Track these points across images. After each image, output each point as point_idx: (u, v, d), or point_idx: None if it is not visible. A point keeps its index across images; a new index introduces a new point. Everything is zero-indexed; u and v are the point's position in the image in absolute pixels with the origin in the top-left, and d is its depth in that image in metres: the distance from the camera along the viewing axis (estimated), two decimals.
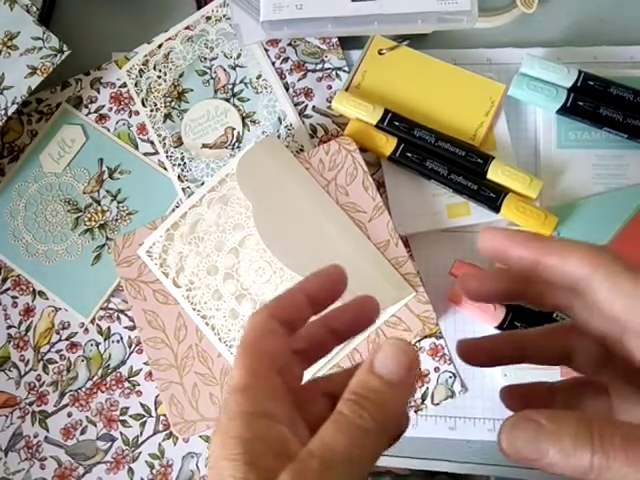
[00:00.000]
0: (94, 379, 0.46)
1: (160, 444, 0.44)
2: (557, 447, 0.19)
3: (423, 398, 0.42)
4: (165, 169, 0.48)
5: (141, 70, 0.49)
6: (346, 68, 0.48)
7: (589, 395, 0.26)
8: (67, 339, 0.46)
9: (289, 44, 0.49)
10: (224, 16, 0.49)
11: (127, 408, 0.45)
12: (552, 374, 0.41)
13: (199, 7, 0.50)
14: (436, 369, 0.43)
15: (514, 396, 0.27)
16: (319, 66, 0.48)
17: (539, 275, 0.22)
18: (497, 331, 0.41)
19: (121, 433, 0.45)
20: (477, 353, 0.26)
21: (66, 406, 0.45)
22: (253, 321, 0.22)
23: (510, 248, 0.23)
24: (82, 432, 0.45)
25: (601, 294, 0.21)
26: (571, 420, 0.19)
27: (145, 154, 0.48)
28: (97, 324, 0.46)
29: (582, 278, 0.21)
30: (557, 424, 0.19)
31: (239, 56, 0.49)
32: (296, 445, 0.19)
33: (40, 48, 0.47)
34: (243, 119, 0.48)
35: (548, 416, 0.20)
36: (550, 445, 0.19)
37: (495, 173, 0.42)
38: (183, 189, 0.47)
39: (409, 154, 0.43)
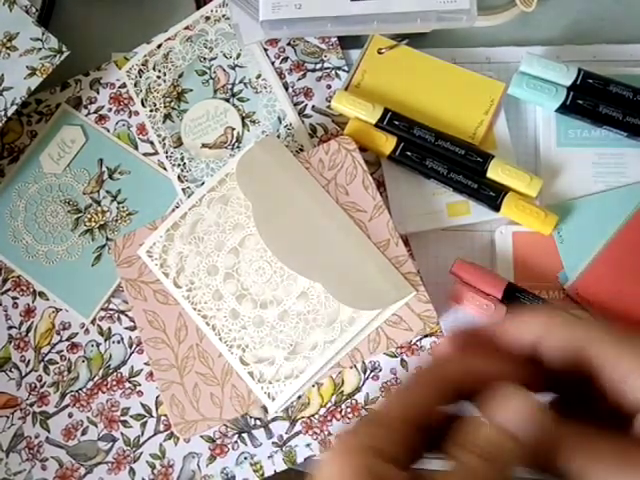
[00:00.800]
0: (95, 380, 0.46)
1: (161, 444, 0.44)
2: None
3: None
4: (165, 169, 0.48)
5: (140, 70, 0.49)
6: (345, 67, 0.48)
7: None
8: (68, 340, 0.46)
9: (288, 44, 0.49)
10: (223, 16, 0.49)
11: (128, 408, 0.45)
12: None
13: (198, 7, 0.50)
14: None
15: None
16: (318, 65, 0.48)
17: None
18: None
19: (122, 433, 0.45)
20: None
21: (67, 407, 0.45)
22: (339, 456, 0.19)
23: (508, 334, 0.22)
24: (83, 433, 0.45)
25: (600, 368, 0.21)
26: None
27: (145, 154, 0.48)
28: (98, 325, 0.46)
29: (576, 354, 0.21)
30: None
31: (238, 56, 0.49)
32: None
33: (39, 49, 0.47)
34: (243, 119, 0.48)
35: None
36: None
37: (495, 172, 0.42)
38: (183, 189, 0.47)
39: (409, 153, 0.43)
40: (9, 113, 0.46)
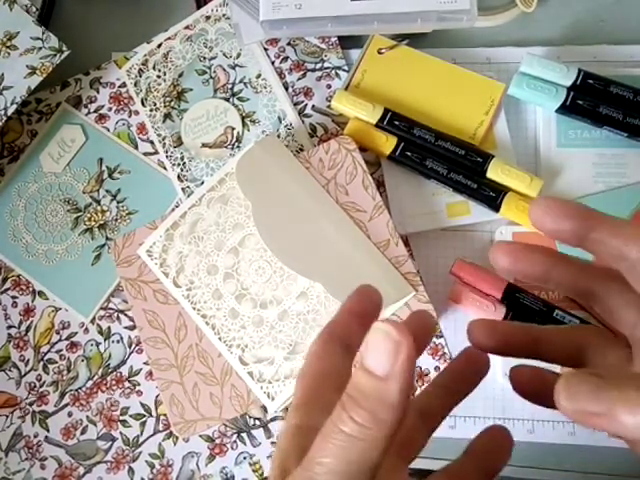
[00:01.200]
0: (94, 379, 0.46)
1: (160, 444, 0.44)
2: (623, 396, 0.17)
3: None
4: (165, 169, 0.48)
5: (140, 70, 0.49)
6: (345, 67, 0.48)
7: None
8: (67, 339, 0.46)
9: (288, 43, 0.49)
10: (223, 15, 0.49)
11: (127, 408, 0.45)
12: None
13: (198, 7, 0.50)
14: (436, 368, 0.43)
15: (523, 379, 0.26)
16: (318, 65, 0.48)
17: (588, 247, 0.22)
18: None
19: (121, 433, 0.45)
20: (491, 336, 0.24)
21: (66, 406, 0.45)
22: (309, 349, 0.22)
23: (561, 220, 0.21)
24: (82, 432, 0.45)
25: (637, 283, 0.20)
26: (629, 374, 0.19)
27: (145, 154, 0.48)
28: (97, 324, 0.46)
29: (622, 263, 0.20)
30: (617, 377, 0.18)
31: (239, 55, 0.49)
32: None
33: (39, 48, 0.47)
34: (243, 119, 0.48)
35: (606, 371, 0.19)
36: (615, 392, 0.17)
37: (495, 172, 0.42)
38: (183, 189, 0.47)
39: (409, 153, 0.43)
40: (9, 112, 0.46)
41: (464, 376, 0.25)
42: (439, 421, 0.24)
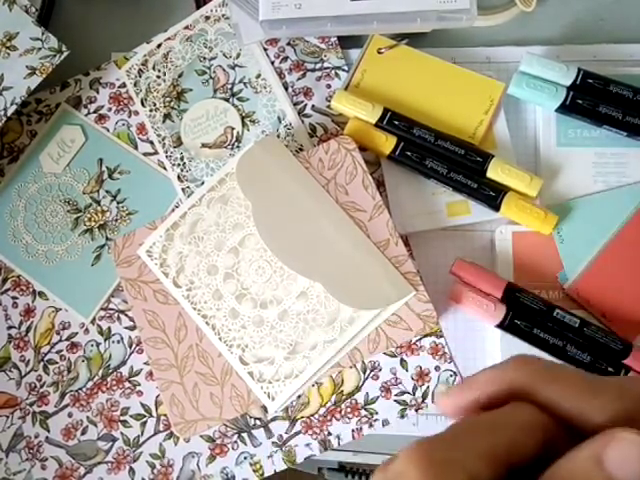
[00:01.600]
0: (94, 379, 0.46)
1: (161, 444, 0.44)
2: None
3: (424, 397, 0.42)
4: (165, 169, 0.48)
5: (140, 70, 0.49)
6: (345, 67, 0.48)
7: None
8: (67, 339, 0.46)
9: (288, 43, 0.49)
10: (223, 16, 0.49)
11: (128, 408, 0.45)
12: None
13: (198, 7, 0.50)
14: (436, 368, 0.43)
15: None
16: (318, 65, 0.48)
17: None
18: (497, 330, 0.41)
19: (122, 433, 0.45)
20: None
21: (67, 406, 0.45)
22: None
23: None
24: (83, 432, 0.45)
25: None
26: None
27: (145, 154, 0.48)
28: (97, 324, 0.46)
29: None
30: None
31: (238, 56, 0.49)
32: None
33: (39, 49, 0.47)
34: (242, 119, 0.48)
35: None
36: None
37: (495, 171, 0.42)
38: (183, 189, 0.47)
39: (409, 153, 0.43)
40: (9, 113, 0.46)
41: None
42: None
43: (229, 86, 0.48)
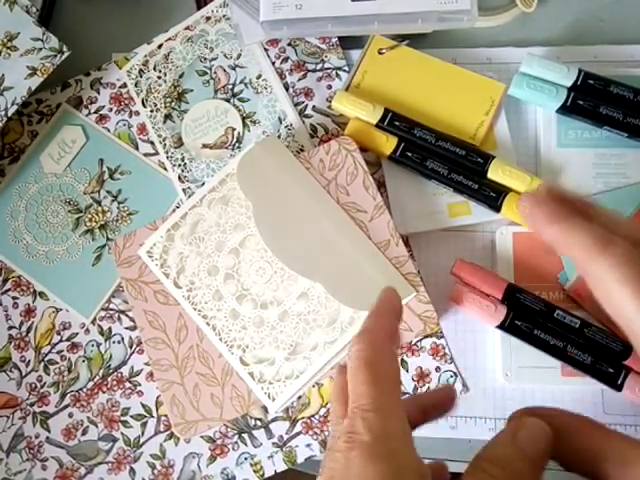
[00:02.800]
0: (95, 380, 0.46)
1: (161, 444, 0.44)
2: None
3: None
4: (165, 169, 0.48)
5: (141, 70, 0.49)
6: (346, 68, 0.48)
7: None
8: (68, 340, 0.46)
9: (289, 44, 0.49)
10: (224, 16, 0.49)
11: (128, 408, 0.45)
12: (553, 373, 0.41)
13: (199, 7, 0.50)
14: (437, 369, 0.43)
15: None
16: (319, 66, 0.48)
17: None
18: (498, 331, 0.41)
19: (122, 433, 0.45)
20: None
21: (67, 407, 0.45)
22: (369, 339, 0.22)
23: (536, 221, 0.24)
24: (83, 433, 0.45)
25: (596, 295, 0.22)
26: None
27: (145, 154, 0.48)
28: (98, 325, 0.46)
29: (583, 274, 0.22)
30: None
31: (239, 56, 0.49)
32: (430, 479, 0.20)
33: (40, 49, 0.47)
34: (243, 119, 0.48)
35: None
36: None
37: (495, 172, 0.42)
38: (183, 189, 0.47)
39: (409, 153, 0.43)
40: (10, 113, 0.46)
41: (437, 405, 0.28)
42: None
43: (230, 87, 0.48)
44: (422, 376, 0.43)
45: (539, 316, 0.40)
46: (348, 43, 0.48)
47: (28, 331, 0.47)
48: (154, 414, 0.45)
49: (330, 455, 0.20)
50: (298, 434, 0.43)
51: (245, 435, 0.43)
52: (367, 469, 0.19)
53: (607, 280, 0.21)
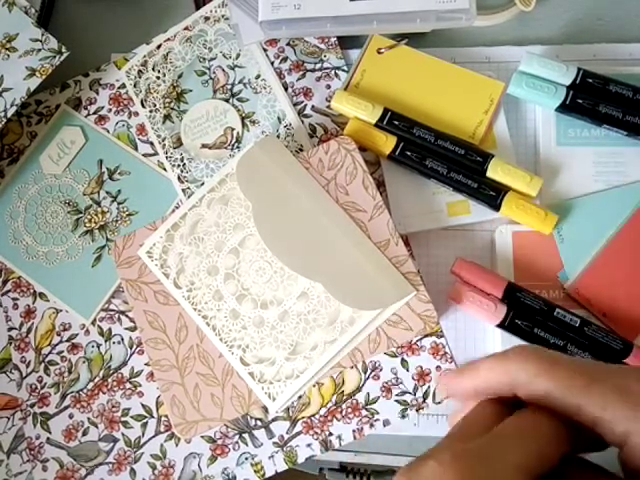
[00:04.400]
0: (95, 380, 0.46)
1: (162, 445, 0.44)
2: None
3: (425, 397, 0.42)
4: (165, 170, 0.48)
5: (140, 71, 0.49)
6: (345, 67, 0.48)
7: None
8: (68, 340, 0.46)
9: (288, 44, 0.49)
10: (223, 16, 0.49)
11: (128, 409, 0.45)
12: None
13: (198, 7, 0.50)
14: (437, 368, 0.43)
15: None
16: (318, 65, 0.48)
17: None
18: (498, 330, 0.41)
19: (123, 434, 0.45)
20: None
21: (67, 407, 0.45)
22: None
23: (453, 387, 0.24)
24: (84, 433, 0.45)
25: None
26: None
27: (145, 155, 0.48)
28: (98, 325, 0.46)
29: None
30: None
31: (238, 56, 0.49)
32: None
33: (39, 50, 0.47)
34: (242, 119, 0.48)
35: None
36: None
37: (495, 171, 0.42)
38: (183, 190, 0.47)
39: (409, 153, 0.43)
40: (9, 114, 0.46)
41: None
42: None
43: (229, 87, 0.48)
44: (422, 375, 0.43)
45: (539, 315, 0.40)
46: (347, 43, 0.48)
47: (28, 332, 0.47)
48: (154, 414, 0.45)
49: None
50: (299, 434, 0.43)
51: (246, 435, 0.43)
52: None
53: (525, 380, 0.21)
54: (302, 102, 0.48)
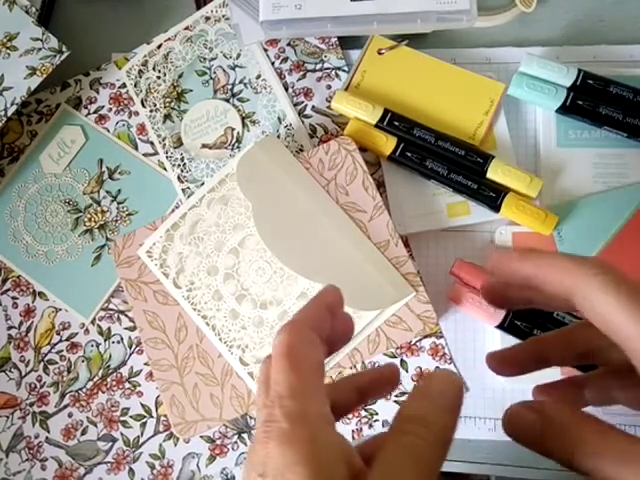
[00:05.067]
0: (94, 380, 0.46)
1: (161, 444, 0.44)
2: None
3: None
4: (165, 169, 0.48)
5: (140, 71, 0.49)
6: (345, 68, 0.48)
7: (617, 386, 0.27)
8: (67, 340, 0.46)
9: (288, 44, 0.49)
10: (223, 16, 0.49)
11: (128, 409, 0.45)
12: (553, 375, 0.41)
13: (198, 7, 0.50)
14: (437, 368, 0.43)
15: (545, 395, 0.28)
16: (318, 66, 0.48)
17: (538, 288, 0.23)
18: (497, 331, 0.41)
19: (122, 434, 0.45)
20: (504, 364, 0.28)
21: (67, 407, 0.45)
22: (290, 328, 0.22)
23: (508, 265, 0.23)
24: (83, 433, 0.45)
25: (585, 313, 0.21)
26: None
27: (145, 155, 0.48)
28: (97, 325, 0.46)
29: (566, 295, 0.22)
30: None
31: (238, 56, 0.49)
32: (357, 458, 0.20)
33: (39, 49, 0.47)
34: (243, 119, 0.48)
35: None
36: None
37: (495, 172, 0.42)
38: (183, 189, 0.47)
39: (409, 153, 0.43)
40: (9, 113, 0.46)
41: (376, 385, 0.27)
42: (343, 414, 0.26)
43: (229, 87, 0.48)
44: (422, 376, 0.43)
45: (538, 316, 0.40)
46: (347, 43, 0.48)
47: (28, 331, 0.47)
48: (153, 414, 0.45)
49: (250, 447, 0.20)
50: None
51: (245, 435, 0.43)
52: (286, 455, 0.18)
53: (590, 294, 0.21)
54: (302, 102, 0.48)
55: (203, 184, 0.46)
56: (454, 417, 0.21)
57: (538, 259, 0.23)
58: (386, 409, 0.42)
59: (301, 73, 0.48)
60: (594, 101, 0.42)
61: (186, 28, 0.50)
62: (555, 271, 0.22)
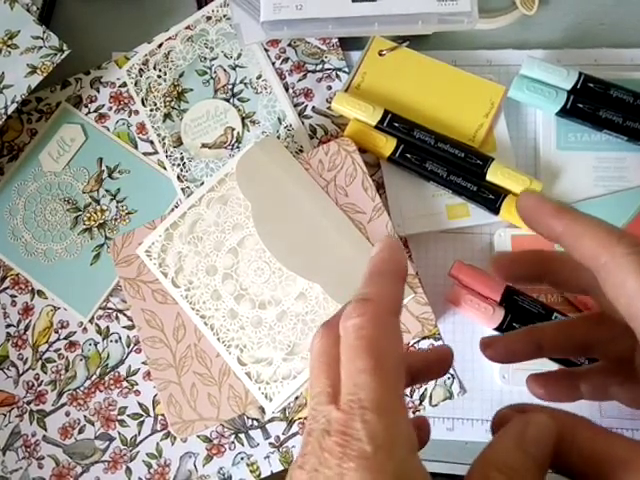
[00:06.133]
0: (92, 378, 0.46)
1: (158, 444, 0.44)
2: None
3: (421, 399, 0.42)
4: (164, 169, 0.48)
5: (141, 70, 0.49)
6: (346, 69, 0.48)
7: (616, 382, 0.26)
8: (66, 338, 0.46)
9: (289, 44, 0.49)
10: (224, 16, 0.49)
11: (125, 407, 0.45)
12: None
13: (199, 7, 0.50)
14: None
15: (539, 385, 0.28)
16: (319, 67, 0.48)
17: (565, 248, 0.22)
18: (496, 333, 0.41)
19: (119, 432, 0.45)
20: (497, 349, 0.27)
21: (64, 405, 0.45)
22: (371, 314, 0.19)
23: (540, 215, 0.22)
24: (80, 431, 0.45)
25: (607, 287, 0.20)
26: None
27: (144, 154, 0.48)
28: (96, 323, 0.46)
29: (593, 265, 0.20)
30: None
31: (239, 56, 0.49)
32: None
33: (40, 47, 0.47)
34: (243, 119, 0.48)
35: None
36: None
37: (494, 174, 0.42)
38: (182, 189, 0.47)
39: (409, 155, 0.43)
40: (9, 111, 0.46)
41: (429, 368, 0.26)
42: None
43: (230, 86, 0.48)
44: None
45: (537, 318, 0.40)
46: (348, 44, 0.48)
47: (26, 329, 0.47)
48: (151, 413, 0.45)
49: (317, 452, 0.18)
50: (295, 434, 0.43)
51: (242, 435, 0.43)
52: None
53: (621, 271, 0.19)
54: (303, 103, 0.48)
55: (203, 184, 0.46)
56: (542, 470, 0.19)
57: (573, 221, 0.21)
58: None
59: (302, 74, 0.48)
60: (594, 104, 0.42)
61: (187, 27, 0.50)
62: (587, 239, 0.21)
